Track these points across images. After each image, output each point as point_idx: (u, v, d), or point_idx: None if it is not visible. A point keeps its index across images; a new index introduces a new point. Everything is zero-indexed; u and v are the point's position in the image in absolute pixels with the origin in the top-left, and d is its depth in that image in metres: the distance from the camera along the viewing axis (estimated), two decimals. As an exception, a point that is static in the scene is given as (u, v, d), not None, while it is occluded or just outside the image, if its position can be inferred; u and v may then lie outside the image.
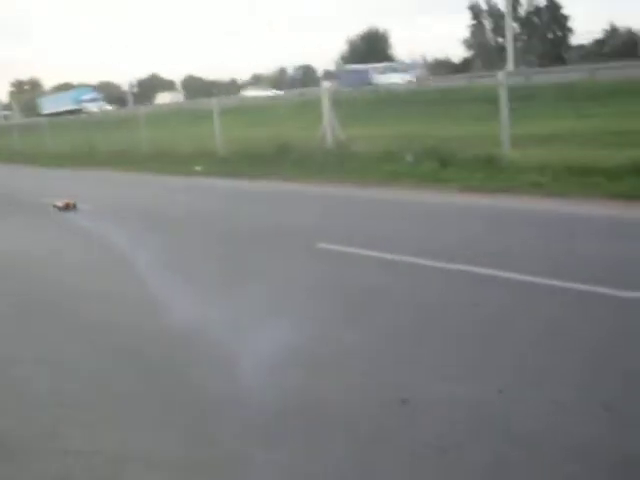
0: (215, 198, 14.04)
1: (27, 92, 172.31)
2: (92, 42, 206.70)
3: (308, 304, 6.30)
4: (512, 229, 8.85)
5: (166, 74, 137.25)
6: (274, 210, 11.88)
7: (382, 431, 3.89)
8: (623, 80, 23.22)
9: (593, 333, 5.07)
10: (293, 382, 4.60)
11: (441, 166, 13.39)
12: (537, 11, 74.21)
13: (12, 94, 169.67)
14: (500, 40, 71.11)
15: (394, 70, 63.28)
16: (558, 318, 5.43)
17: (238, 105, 40.58)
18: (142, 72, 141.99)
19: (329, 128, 16.63)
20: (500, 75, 13.54)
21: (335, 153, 15.90)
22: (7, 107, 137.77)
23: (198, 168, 17.65)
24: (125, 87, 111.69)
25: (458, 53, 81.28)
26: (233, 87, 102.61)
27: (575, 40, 73.34)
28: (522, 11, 73.79)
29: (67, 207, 13.10)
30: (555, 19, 73.21)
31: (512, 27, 59.14)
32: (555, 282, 6.14)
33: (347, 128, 17.12)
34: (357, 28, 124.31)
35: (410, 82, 49.92)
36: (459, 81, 40.45)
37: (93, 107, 76.96)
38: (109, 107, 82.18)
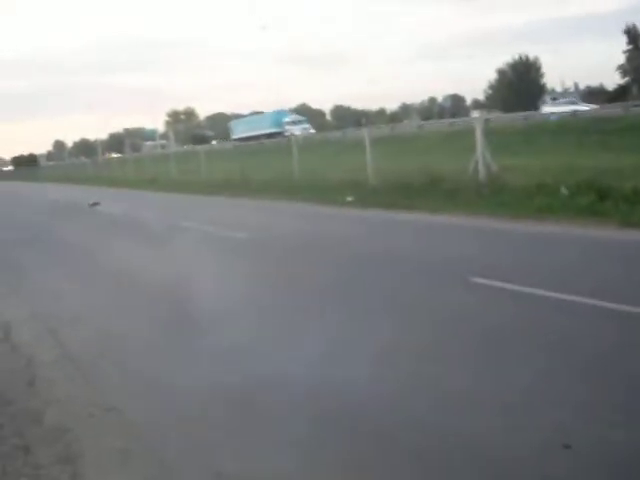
0: (366, 229, 14.16)
1: (182, 122, 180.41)
2: (245, 72, 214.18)
3: (467, 342, 6.23)
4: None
5: (315, 103, 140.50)
6: (425, 243, 11.88)
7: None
8: None
9: None
10: (453, 422, 4.62)
11: (598, 199, 12.98)
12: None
13: (168, 124, 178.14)
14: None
15: (555, 100, 61.23)
16: None
17: (388, 135, 40.85)
18: (292, 102, 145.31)
19: (481, 159, 16.48)
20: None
21: (487, 185, 15.72)
22: (163, 137, 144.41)
23: (350, 199, 17.87)
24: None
25: (613, 80, 78.06)
26: (381, 117, 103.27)
27: None
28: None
29: None
30: None
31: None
32: None
33: (498, 158, 16.89)
34: (506, 56, 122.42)
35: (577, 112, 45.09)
36: (614, 109, 39.02)
37: (296, 130, 69.01)
38: (313, 131, 74.48)
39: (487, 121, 32.76)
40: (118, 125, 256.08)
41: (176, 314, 8.34)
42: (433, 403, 4.93)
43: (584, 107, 48.00)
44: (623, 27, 74.41)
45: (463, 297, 7.80)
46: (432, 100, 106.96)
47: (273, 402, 5.27)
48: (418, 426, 4.59)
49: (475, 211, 14.02)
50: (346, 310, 7.70)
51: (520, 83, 74.03)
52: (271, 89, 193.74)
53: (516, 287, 7.80)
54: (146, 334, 7.67)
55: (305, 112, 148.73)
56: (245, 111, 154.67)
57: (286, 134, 69.06)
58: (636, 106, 37.56)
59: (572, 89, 75.14)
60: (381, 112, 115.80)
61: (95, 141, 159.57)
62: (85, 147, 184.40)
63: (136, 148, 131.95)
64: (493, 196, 14.71)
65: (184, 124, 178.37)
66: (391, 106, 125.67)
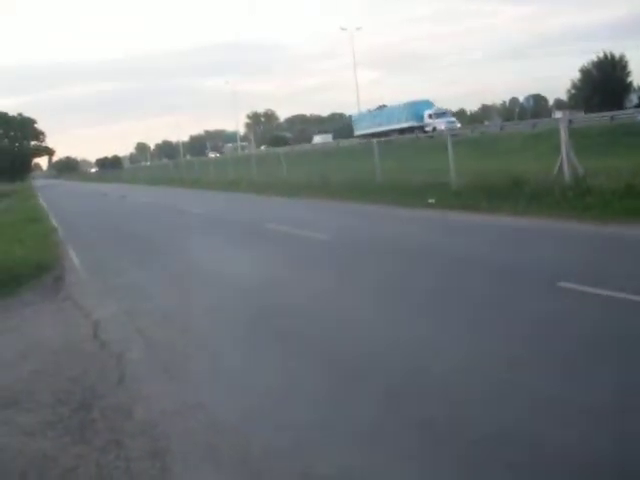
0: (449, 232, 14.02)
1: (262, 123, 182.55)
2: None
3: (559, 350, 6.08)
4: None
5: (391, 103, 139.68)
6: (509, 246, 11.68)
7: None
8: None
9: None
10: (547, 430, 4.57)
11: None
12: None
13: (248, 126, 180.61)
14: None
15: None
16: None
17: (469, 136, 40.48)
18: (372, 103, 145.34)
19: (566, 160, 16.16)
20: None
21: (572, 187, 15.39)
22: (244, 139, 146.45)
23: (431, 200, 17.78)
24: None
25: None
26: (462, 118, 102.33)
27: None
28: None
29: None
30: None
31: None
32: None
33: (583, 160, 16.50)
34: (589, 55, 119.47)
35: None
36: None
37: (440, 124, 61.07)
38: (459, 125, 66.43)
39: (571, 121, 32.25)
40: (199, 127, 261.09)
41: (264, 314, 8.48)
42: (522, 413, 4.89)
43: None
44: None
45: (552, 302, 7.59)
46: (513, 101, 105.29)
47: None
48: (511, 435, 4.57)
49: (560, 214, 13.74)
50: (434, 316, 7.65)
51: (605, 82, 71.84)
52: (351, 90, 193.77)
53: (607, 292, 7.55)
54: (235, 334, 7.81)
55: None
56: (324, 113, 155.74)
57: (427, 129, 63.11)
58: None
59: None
60: (461, 113, 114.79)
61: (177, 143, 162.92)
62: (167, 149, 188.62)
63: (217, 150, 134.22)
64: (579, 198, 14.36)
65: (263, 126, 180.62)
66: (471, 107, 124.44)
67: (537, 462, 4.14)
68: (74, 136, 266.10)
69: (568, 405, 4.89)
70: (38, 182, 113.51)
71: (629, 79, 76.22)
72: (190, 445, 4.95)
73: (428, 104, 70.56)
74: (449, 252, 11.47)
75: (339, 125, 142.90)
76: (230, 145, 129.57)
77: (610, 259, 9.83)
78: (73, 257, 15.40)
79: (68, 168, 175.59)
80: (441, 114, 66.91)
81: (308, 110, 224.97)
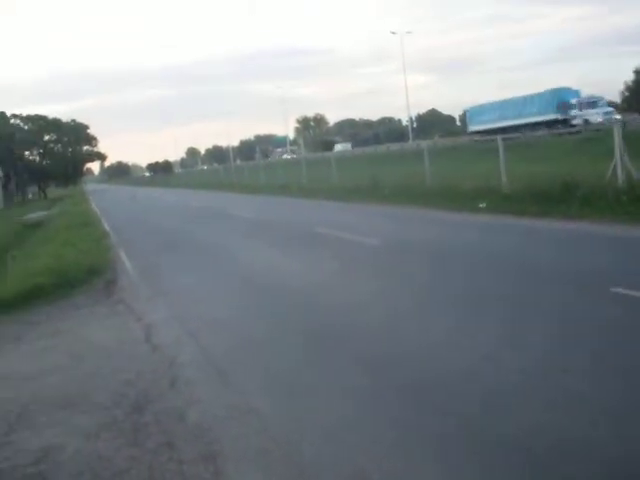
0: (500, 237, 13.86)
1: (312, 128, 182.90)
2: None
3: (615, 356, 6.01)
4: None
5: (445, 109, 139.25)
6: (561, 251, 11.48)
7: None
8: None
9: None
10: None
11: None
12: None
13: (297, 130, 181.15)
14: None
15: None
16: None
17: (520, 141, 40.00)
18: (422, 107, 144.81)
19: (619, 164, 15.89)
20: None
21: (626, 191, 15.10)
22: (293, 143, 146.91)
23: (482, 205, 17.63)
24: (404, 122, 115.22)
25: None
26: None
27: None
28: None
29: None
30: None
31: None
32: None
33: (637, 164, 16.16)
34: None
35: None
36: None
37: (595, 116, 51.25)
38: (618, 117, 50.38)
39: (625, 124, 31.70)
40: (249, 132, 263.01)
41: (317, 320, 8.48)
42: (582, 426, 4.85)
43: None
44: None
45: (606, 309, 7.46)
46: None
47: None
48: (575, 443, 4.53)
49: (613, 218, 13.50)
50: (492, 323, 7.52)
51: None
52: (400, 94, 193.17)
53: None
54: (286, 340, 7.82)
55: (435, 118, 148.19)
56: (374, 117, 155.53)
57: (574, 122, 52.27)
58: None
59: None
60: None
61: (227, 148, 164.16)
62: (217, 154, 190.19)
63: (266, 154, 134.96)
64: (633, 203, 14.12)
65: (313, 130, 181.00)
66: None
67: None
68: (125, 141, 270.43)
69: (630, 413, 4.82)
70: (90, 186, 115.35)
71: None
72: (243, 449, 4.99)
73: (571, 92, 58.22)
74: (500, 257, 11.37)
75: (387, 128, 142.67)
76: (280, 150, 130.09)
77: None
78: (125, 260, 15.66)
79: (120, 173, 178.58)
80: (594, 104, 54.01)
81: (358, 114, 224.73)
